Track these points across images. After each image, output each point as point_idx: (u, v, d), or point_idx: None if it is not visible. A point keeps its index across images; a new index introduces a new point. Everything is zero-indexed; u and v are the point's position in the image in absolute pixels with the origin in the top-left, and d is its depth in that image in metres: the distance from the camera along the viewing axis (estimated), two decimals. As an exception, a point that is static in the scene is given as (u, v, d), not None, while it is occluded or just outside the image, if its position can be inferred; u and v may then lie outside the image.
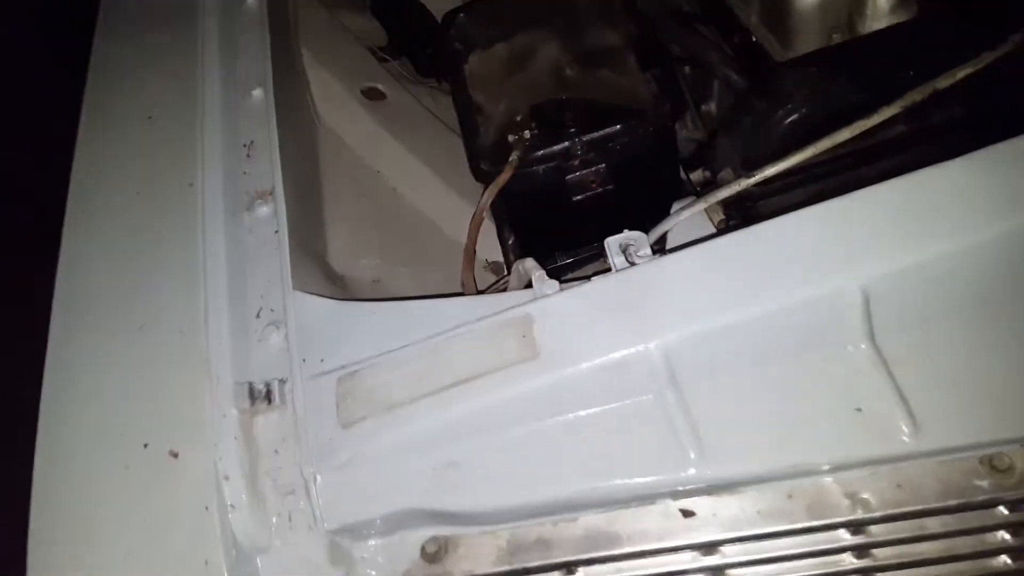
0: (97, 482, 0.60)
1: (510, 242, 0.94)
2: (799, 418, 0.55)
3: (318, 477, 0.59)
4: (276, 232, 0.73)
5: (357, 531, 0.59)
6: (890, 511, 0.53)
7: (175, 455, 0.59)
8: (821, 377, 0.56)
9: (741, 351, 0.57)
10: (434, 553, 0.59)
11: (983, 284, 0.56)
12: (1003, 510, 0.52)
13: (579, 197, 0.87)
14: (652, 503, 0.56)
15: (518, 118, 0.86)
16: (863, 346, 0.55)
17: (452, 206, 1.01)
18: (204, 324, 0.65)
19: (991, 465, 0.52)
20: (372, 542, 0.59)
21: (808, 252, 0.59)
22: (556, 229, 0.89)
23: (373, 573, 0.59)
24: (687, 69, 1.09)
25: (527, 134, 0.85)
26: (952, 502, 0.52)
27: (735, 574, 0.56)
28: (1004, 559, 0.55)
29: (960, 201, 0.58)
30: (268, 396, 0.63)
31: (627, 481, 0.57)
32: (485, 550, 0.58)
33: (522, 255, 0.76)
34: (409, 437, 0.59)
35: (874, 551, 0.55)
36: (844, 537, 0.54)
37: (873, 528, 0.54)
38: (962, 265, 0.56)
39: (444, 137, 1.10)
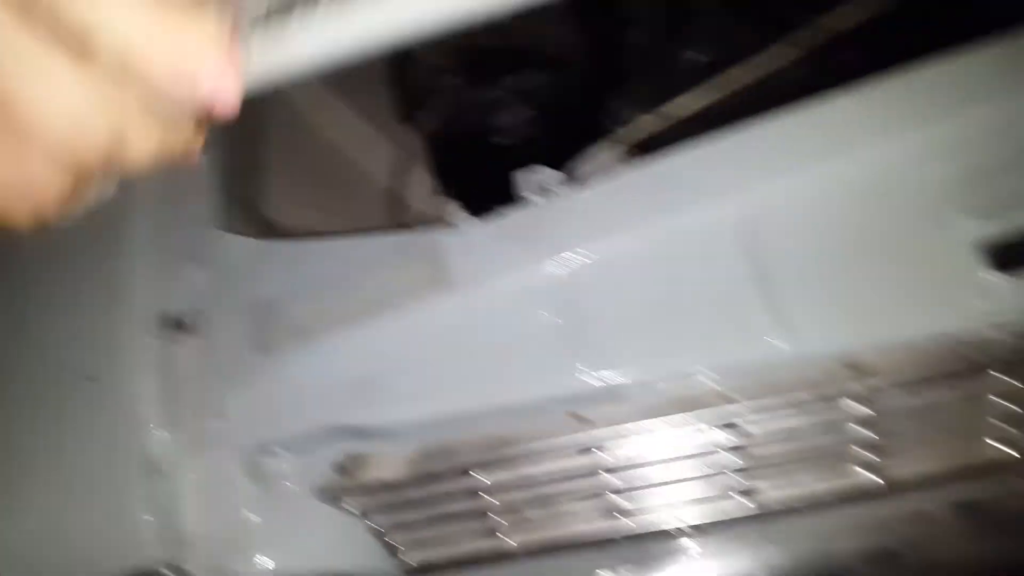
0: (15, 405, 0.62)
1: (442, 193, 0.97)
2: (682, 328, 0.59)
3: (234, 399, 0.63)
4: (207, 174, 0.76)
5: (273, 449, 0.62)
6: (764, 410, 0.57)
7: (93, 379, 0.62)
8: (704, 290, 0.59)
9: (633, 270, 0.61)
10: (347, 467, 0.62)
11: (858, 206, 0.60)
12: (863, 407, 0.57)
13: (505, 143, 0.90)
14: (547, 411, 0.60)
15: (447, 64, 0.89)
16: (745, 261, 0.59)
17: (393, 161, 1.04)
18: (127, 256, 0.68)
19: (854, 366, 0.56)
20: (288, 458, 0.63)
21: (698, 179, 0.63)
22: (483, 176, 0.92)
23: (289, 486, 0.63)
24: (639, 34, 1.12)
25: (455, 80, 0.88)
26: (819, 401, 0.57)
27: (621, 472, 0.60)
28: (866, 453, 0.60)
29: (840, 131, 0.62)
30: (187, 326, 0.65)
31: (525, 392, 0.60)
32: (395, 462, 0.62)
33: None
34: (323, 360, 0.63)
35: (748, 448, 0.59)
36: (721, 435, 0.59)
37: (748, 427, 0.59)
38: (838, 189, 0.60)
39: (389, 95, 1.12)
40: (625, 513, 0.64)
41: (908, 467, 0.62)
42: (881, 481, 0.61)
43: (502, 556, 0.66)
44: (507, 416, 0.61)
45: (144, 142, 0.26)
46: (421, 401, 0.62)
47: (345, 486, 0.63)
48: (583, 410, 0.60)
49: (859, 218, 0.58)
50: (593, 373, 0.60)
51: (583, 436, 0.60)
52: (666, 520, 0.64)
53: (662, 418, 0.59)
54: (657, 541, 0.66)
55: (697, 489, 0.62)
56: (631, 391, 0.60)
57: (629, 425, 0.59)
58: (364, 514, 0.64)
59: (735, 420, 0.59)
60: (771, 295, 0.58)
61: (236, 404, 0.62)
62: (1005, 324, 0.56)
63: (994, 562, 0.74)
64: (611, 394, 0.60)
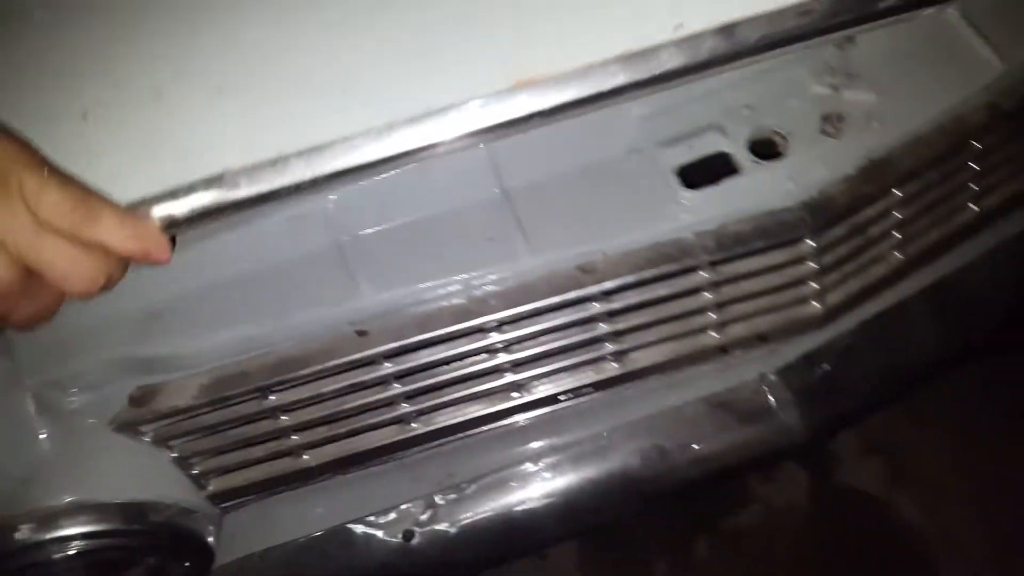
0: None
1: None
2: (449, 246, 0.68)
3: (20, 338, 0.64)
4: None
5: (63, 384, 0.64)
6: (520, 312, 0.67)
7: None
8: (463, 216, 0.69)
9: (405, 201, 0.70)
10: (141, 397, 0.65)
11: (582, 142, 0.71)
12: (595, 304, 0.69)
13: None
14: (333, 329, 0.67)
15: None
16: (496, 190, 0.70)
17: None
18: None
19: (582, 269, 0.68)
20: (80, 394, 0.65)
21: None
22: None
23: (86, 421, 0.65)
24: None
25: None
26: (559, 300, 0.68)
27: (404, 379, 0.68)
28: (606, 345, 0.71)
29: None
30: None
31: (311, 313, 0.67)
32: (189, 388, 0.66)
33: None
34: (108, 295, 0.65)
35: (513, 348, 0.69)
36: (491, 336, 0.68)
37: (511, 332, 0.69)
38: (566, 127, 0.71)
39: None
40: (413, 419, 0.71)
41: (647, 357, 0.75)
42: (618, 366, 0.73)
43: (302, 474, 0.72)
44: (295, 337, 0.67)
45: (118, 279, 0.48)
46: (210, 329, 0.66)
47: (140, 416, 0.65)
48: (365, 325, 0.67)
49: (585, 152, 0.71)
50: (371, 292, 0.67)
51: (367, 351, 0.67)
52: (454, 422, 0.73)
53: (439, 330, 0.68)
54: (451, 444, 0.75)
55: (477, 390, 0.71)
56: (408, 305, 0.68)
57: (407, 336, 0.67)
58: (162, 443, 0.67)
59: (501, 325, 0.68)
60: (518, 216, 0.69)
61: (22, 343, 0.63)
62: (700, 231, 0.70)
63: (743, 451, 0.89)
64: (389, 311, 0.68)
